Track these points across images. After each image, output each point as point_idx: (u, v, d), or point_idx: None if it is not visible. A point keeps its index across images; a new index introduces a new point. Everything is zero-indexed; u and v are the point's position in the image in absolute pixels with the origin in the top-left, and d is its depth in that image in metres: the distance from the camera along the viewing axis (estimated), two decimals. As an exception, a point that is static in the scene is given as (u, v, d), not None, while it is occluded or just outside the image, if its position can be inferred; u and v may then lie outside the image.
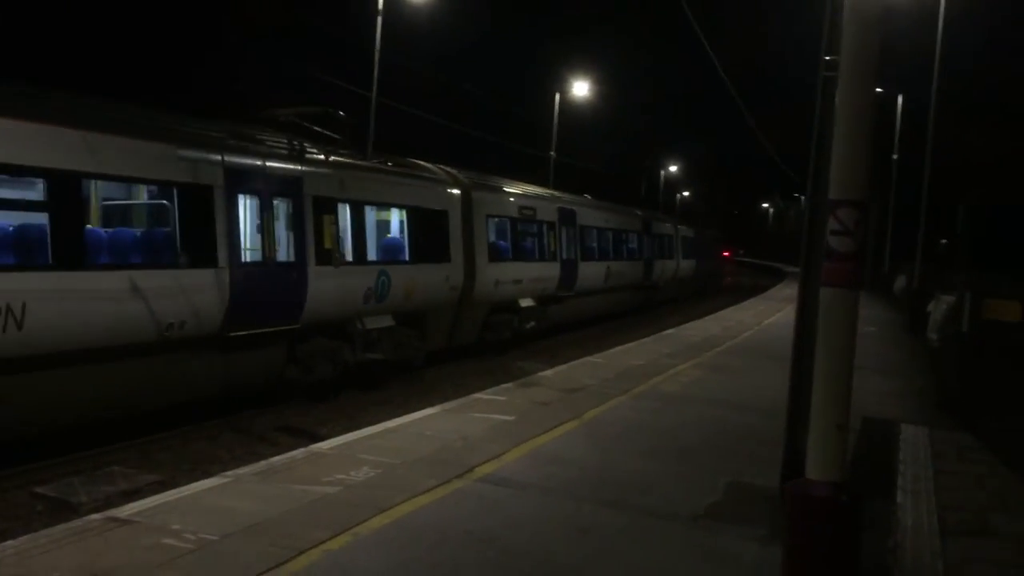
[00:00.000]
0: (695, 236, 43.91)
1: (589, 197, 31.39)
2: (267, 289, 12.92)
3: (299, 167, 13.85)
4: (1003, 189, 14.83)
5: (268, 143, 13.63)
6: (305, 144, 14.44)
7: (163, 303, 11.11)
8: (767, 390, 13.04)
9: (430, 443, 9.40)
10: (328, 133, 15.54)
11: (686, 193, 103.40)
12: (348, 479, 7.92)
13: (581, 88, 43.14)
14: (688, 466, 9.12)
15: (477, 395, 12.62)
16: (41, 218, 9.93)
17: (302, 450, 9.11)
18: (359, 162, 15.94)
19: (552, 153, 42.92)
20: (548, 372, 15.03)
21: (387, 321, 15.87)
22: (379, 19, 26.90)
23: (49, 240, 9.84)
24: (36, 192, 10.16)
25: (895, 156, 39.97)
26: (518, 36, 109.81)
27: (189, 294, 11.54)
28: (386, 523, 6.85)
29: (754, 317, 27.81)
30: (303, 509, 7.04)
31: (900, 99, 38.85)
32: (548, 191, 27.09)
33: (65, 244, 10.01)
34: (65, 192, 10.04)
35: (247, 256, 12.68)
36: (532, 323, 22.36)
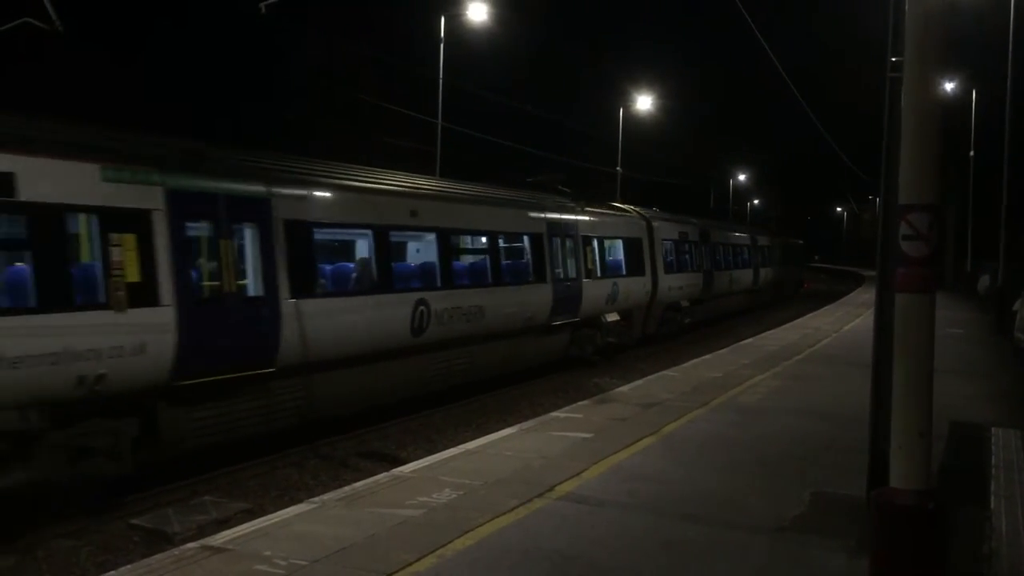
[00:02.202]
0: (784, 245, 49.72)
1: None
2: (566, 295, 19.44)
3: (576, 216, 20.76)
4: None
5: (558, 201, 20.65)
6: (569, 200, 21.35)
7: (527, 305, 17.95)
8: (848, 398, 12.80)
9: (510, 463, 9.47)
10: (563, 189, 22.75)
11: (756, 201, 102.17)
12: (431, 501, 8.04)
13: (644, 102, 43.10)
14: (770, 478, 9.02)
15: (554, 414, 12.66)
16: (488, 258, 17.18)
17: (384, 474, 9.26)
18: (595, 208, 22.67)
19: (619, 168, 42.91)
20: (624, 388, 14.99)
21: (616, 317, 22.48)
22: (442, 47, 27.31)
23: (492, 269, 17.06)
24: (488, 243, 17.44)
25: (972, 153, 38.90)
26: (576, 52, 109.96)
27: (536, 299, 18.36)
28: (470, 544, 6.93)
29: (832, 324, 27.28)
30: (388, 532, 7.17)
31: (974, 94, 37.83)
32: (684, 216, 32.37)
33: (500, 271, 17.32)
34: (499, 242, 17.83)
35: (558, 275, 19.16)
36: (688, 319, 28.76)
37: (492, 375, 17.38)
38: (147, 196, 10.11)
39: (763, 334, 24.81)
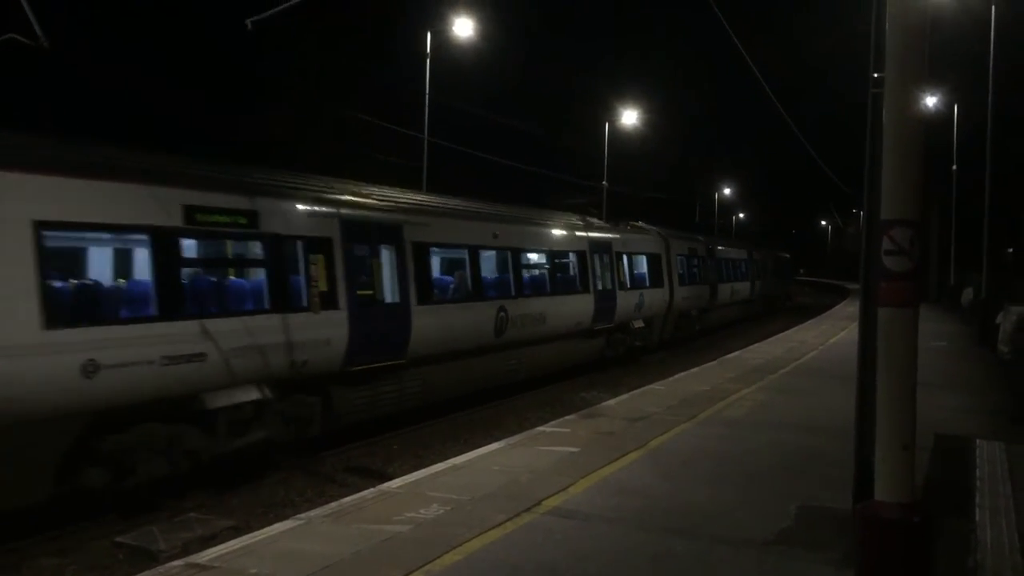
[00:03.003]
0: (775, 259, 52.80)
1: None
2: (605, 305, 22.55)
3: (611, 235, 24.18)
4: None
5: (597, 222, 24.26)
6: (601, 220, 25.41)
7: (576, 312, 21.06)
8: (834, 411, 12.85)
9: (497, 478, 9.46)
10: (592, 209, 26.88)
11: (741, 215, 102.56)
12: (418, 517, 8.02)
13: (630, 117, 43.26)
14: (757, 491, 9.05)
15: (541, 428, 12.66)
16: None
17: (371, 490, 9.23)
18: (624, 229, 26.46)
19: (604, 183, 43.03)
20: (611, 402, 15.00)
21: (641, 323, 25.64)
22: (428, 61, 27.37)
23: (550, 282, 20.41)
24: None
25: (954, 167, 39.23)
26: (562, 64, 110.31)
27: (582, 307, 21.47)
28: (458, 559, 6.92)
29: (817, 337, 27.40)
30: (375, 549, 7.15)
31: (955, 108, 38.19)
32: (693, 234, 36.59)
33: (556, 283, 20.63)
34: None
35: (598, 287, 22.31)
36: (698, 326, 32.14)
37: (549, 372, 20.54)
38: (330, 226, 13.19)
39: (749, 347, 24.87)
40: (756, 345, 25.50)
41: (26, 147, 9.75)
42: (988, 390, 16.44)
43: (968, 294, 32.72)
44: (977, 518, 8.00)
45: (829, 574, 6.65)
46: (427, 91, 28.17)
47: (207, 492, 11.28)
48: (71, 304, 9.75)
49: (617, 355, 24.01)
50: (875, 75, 7.32)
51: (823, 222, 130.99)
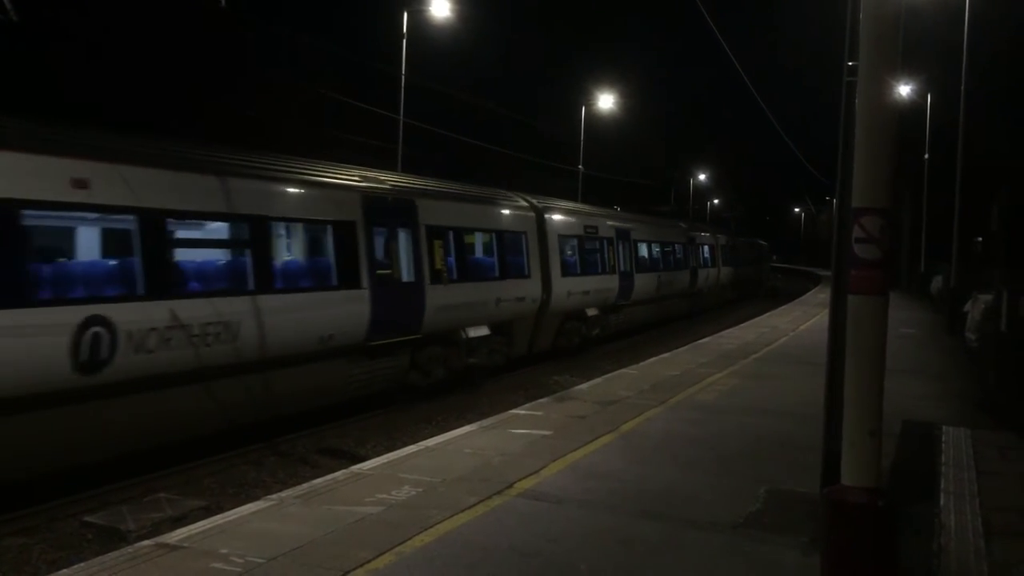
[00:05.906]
0: (760, 247, 62.87)
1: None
2: (693, 278, 35.43)
3: (694, 232, 36.92)
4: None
5: (692, 223, 41.95)
6: (681, 221, 40.35)
7: (680, 281, 33.44)
8: (805, 396, 12.98)
9: (469, 460, 9.49)
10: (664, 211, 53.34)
11: (716, 201, 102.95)
12: (390, 498, 8.03)
13: (606, 101, 43.24)
14: (727, 475, 9.13)
15: (514, 411, 12.69)
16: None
17: (343, 471, 9.22)
18: (696, 228, 39.03)
19: (580, 167, 43.03)
20: (583, 385, 15.06)
21: (706, 291, 37.91)
22: (404, 42, 27.18)
23: (673, 262, 33.75)
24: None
25: (926, 156, 39.57)
26: (541, 50, 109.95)
27: (684, 279, 33.96)
28: (429, 541, 6.94)
29: (789, 323, 27.63)
30: (346, 530, 7.16)
31: (929, 97, 38.48)
32: (725, 229, 53.24)
33: (675, 262, 33.57)
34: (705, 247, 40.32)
35: (691, 265, 34.98)
36: (731, 295, 44.97)
37: (670, 318, 32.53)
38: (612, 232, 25.49)
39: (721, 333, 25.03)
40: (728, 330, 25.67)
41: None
42: (955, 377, 16.67)
43: (937, 282, 33.11)
44: (942, 502, 8.13)
45: (796, 557, 6.73)
46: (403, 72, 28.00)
47: (177, 472, 11.23)
48: (567, 265, 21.95)
49: (694, 311, 35.77)
50: (849, 63, 7.36)
51: (796, 209, 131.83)
